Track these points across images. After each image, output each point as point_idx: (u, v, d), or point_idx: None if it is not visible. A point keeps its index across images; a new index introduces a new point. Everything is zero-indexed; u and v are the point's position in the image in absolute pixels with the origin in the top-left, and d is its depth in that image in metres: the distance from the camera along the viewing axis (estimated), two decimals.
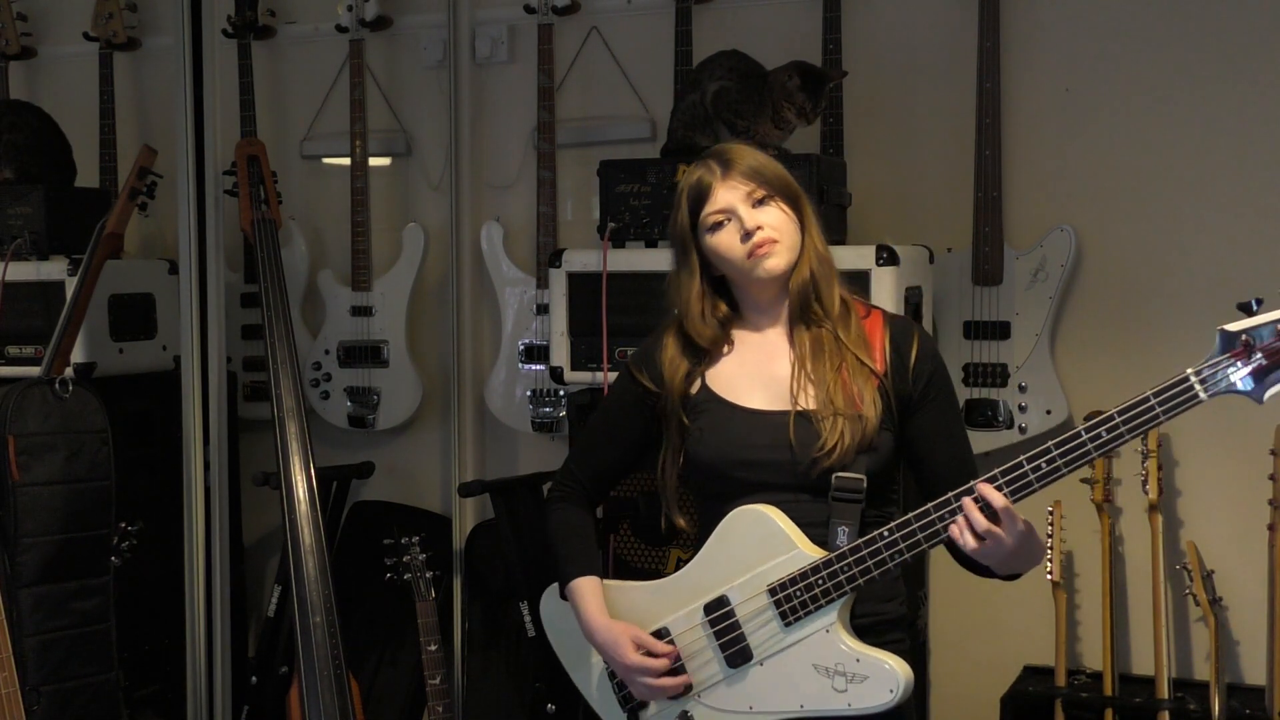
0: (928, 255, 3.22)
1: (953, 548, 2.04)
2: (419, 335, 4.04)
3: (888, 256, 2.89)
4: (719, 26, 3.62)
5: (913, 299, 3.04)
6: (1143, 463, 3.18)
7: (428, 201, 4.06)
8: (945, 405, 2.19)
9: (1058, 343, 3.37)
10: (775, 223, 2.13)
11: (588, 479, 2.36)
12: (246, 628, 4.13)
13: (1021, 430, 3.33)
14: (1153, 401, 1.86)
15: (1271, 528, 3.05)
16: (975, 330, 3.37)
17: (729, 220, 2.13)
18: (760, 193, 2.13)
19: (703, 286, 2.20)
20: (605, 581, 2.28)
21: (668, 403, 2.22)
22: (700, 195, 2.15)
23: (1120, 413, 1.88)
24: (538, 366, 3.78)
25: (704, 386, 2.20)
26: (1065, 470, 1.93)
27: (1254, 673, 3.22)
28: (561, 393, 3.70)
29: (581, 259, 3.18)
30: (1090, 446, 1.90)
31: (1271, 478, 3.05)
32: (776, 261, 2.13)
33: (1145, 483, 3.17)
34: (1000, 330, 3.36)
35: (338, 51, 4.05)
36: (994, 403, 3.35)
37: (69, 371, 3.41)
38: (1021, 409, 3.34)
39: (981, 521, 1.95)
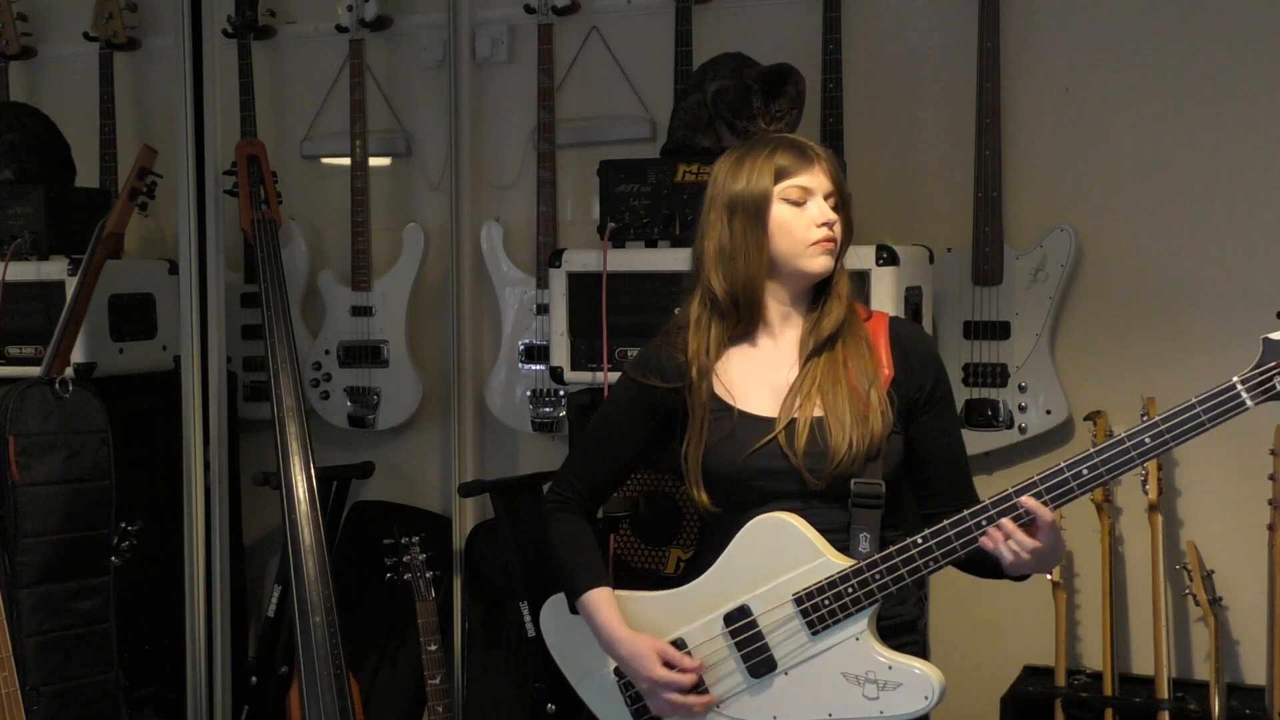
0: (928, 255, 3.22)
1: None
2: (419, 335, 4.04)
3: (888, 256, 2.89)
4: (719, 26, 3.62)
5: (913, 299, 3.04)
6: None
7: (428, 201, 4.06)
8: (947, 407, 2.20)
9: (1058, 343, 3.37)
10: (842, 230, 2.17)
11: (585, 489, 2.32)
12: (246, 628, 4.12)
13: (1021, 430, 3.33)
14: (1198, 409, 1.87)
15: (1271, 528, 3.05)
16: (975, 330, 3.37)
17: (808, 200, 2.14)
18: (836, 199, 2.16)
19: None
20: (615, 592, 2.24)
21: (688, 390, 2.17)
22: (787, 170, 2.14)
23: (1165, 419, 1.89)
24: (538, 366, 3.78)
25: (711, 391, 2.17)
26: (1108, 477, 1.93)
27: (1254, 673, 3.22)
28: (561, 393, 3.70)
29: (581, 259, 3.17)
30: (1134, 454, 1.91)
31: (1271, 478, 3.04)
32: (828, 262, 2.15)
33: (1145, 483, 3.16)
34: (1000, 330, 3.36)
35: (338, 51, 4.04)
36: (994, 403, 3.35)
37: (69, 371, 3.41)
38: (1021, 409, 3.34)
39: (1028, 542, 1.96)
